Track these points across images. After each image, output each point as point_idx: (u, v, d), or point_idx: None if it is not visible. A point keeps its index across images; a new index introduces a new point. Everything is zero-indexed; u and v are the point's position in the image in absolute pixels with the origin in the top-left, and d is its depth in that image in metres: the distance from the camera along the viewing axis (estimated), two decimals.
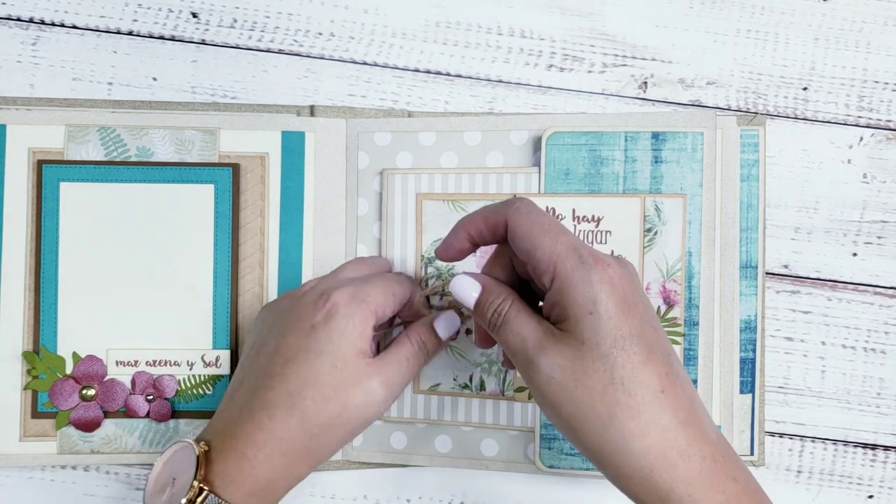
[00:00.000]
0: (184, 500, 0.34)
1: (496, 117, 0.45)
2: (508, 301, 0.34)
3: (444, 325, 0.39)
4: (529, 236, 0.32)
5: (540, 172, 0.44)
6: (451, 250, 0.36)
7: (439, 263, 0.45)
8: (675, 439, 0.30)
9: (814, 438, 0.46)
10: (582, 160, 0.44)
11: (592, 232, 0.43)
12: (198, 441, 0.36)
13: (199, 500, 0.34)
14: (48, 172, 0.45)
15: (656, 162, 0.44)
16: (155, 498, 0.36)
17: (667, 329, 0.43)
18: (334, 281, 0.39)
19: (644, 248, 0.43)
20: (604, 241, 0.43)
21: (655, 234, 0.43)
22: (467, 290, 0.35)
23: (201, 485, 0.34)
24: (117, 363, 0.45)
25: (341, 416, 0.36)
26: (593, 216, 0.43)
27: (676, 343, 0.43)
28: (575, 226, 0.44)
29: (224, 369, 0.45)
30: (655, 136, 0.44)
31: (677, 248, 0.43)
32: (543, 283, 0.32)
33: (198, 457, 0.35)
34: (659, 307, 0.43)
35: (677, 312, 0.43)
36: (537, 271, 0.32)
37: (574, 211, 0.44)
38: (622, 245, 0.43)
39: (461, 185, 0.45)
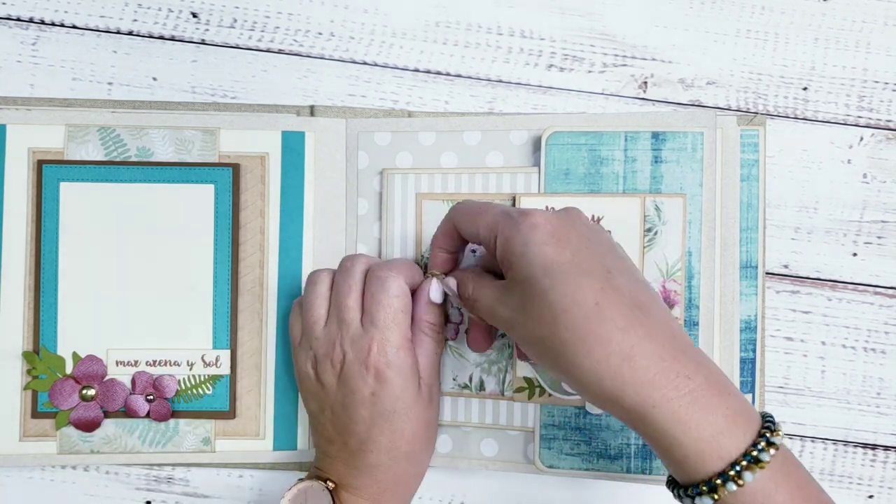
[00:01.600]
0: None
1: (496, 117, 0.45)
2: (472, 281, 0.39)
3: (435, 291, 0.42)
4: (472, 224, 0.38)
5: (540, 172, 0.44)
6: (437, 262, 0.41)
7: None
8: (617, 345, 0.32)
9: (814, 438, 0.46)
10: (582, 160, 0.44)
11: None
12: (322, 479, 0.41)
13: None
14: (48, 172, 0.45)
15: (656, 162, 0.44)
16: None
17: None
18: (355, 335, 0.40)
19: (644, 248, 0.43)
20: None
21: (655, 233, 0.43)
22: (450, 285, 0.41)
23: None
24: (117, 363, 0.45)
25: (429, 432, 0.42)
26: (593, 216, 0.43)
27: None
28: None
29: (224, 369, 0.45)
30: (655, 136, 0.44)
31: (677, 248, 0.43)
32: (493, 251, 0.37)
33: (332, 493, 0.40)
34: None
35: (677, 312, 0.43)
36: (488, 246, 0.37)
37: None
38: (622, 244, 0.43)
39: (461, 185, 0.45)
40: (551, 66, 0.47)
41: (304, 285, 0.44)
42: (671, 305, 0.43)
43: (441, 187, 0.45)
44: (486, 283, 0.38)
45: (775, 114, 0.47)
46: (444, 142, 0.45)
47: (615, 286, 0.33)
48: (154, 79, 0.47)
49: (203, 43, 0.47)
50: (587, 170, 0.44)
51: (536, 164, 0.44)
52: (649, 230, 0.43)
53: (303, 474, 0.46)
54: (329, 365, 0.40)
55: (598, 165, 0.44)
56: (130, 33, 0.47)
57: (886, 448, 0.46)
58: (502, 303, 0.36)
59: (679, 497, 0.33)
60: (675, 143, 0.43)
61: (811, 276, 0.46)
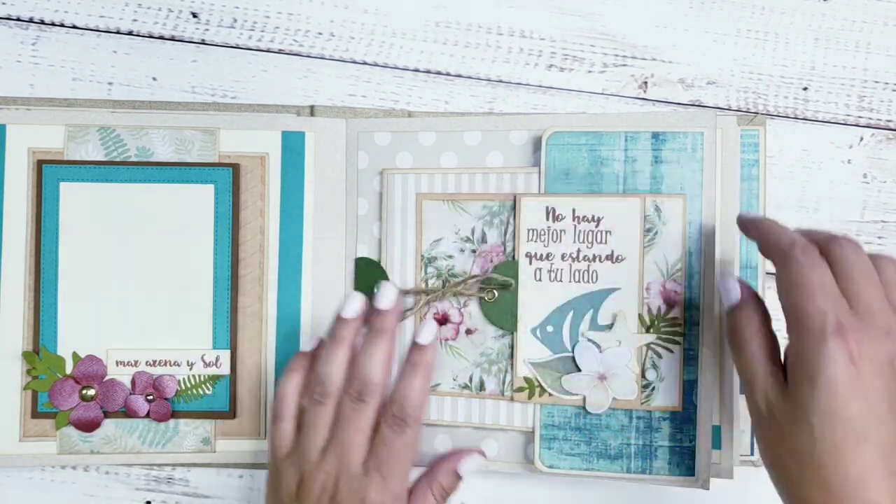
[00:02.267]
0: None
1: (496, 117, 0.45)
2: (755, 323, 0.36)
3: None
4: (794, 296, 0.33)
5: (540, 172, 0.44)
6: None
7: (439, 263, 0.45)
8: None
9: None
10: (582, 160, 0.44)
11: (592, 232, 0.43)
12: None
13: None
14: (48, 172, 0.45)
15: (656, 162, 0.44)
16: None
17: (666, 329, 0.43)
18: (353, 475, 0.38)
19: (644, 248, 0.43)
20: (604, 241, 0.43)
21: (655, 234, 0.43)
22: (731, 292, 0.37)
23: None
24: (117, 363, 0.45)
25: None
26: (593, 216, 0.43)
27: (677, 343, 0.43)
28: (575, 226, 0.43)
29: (224, 369, 0.45)
30: (655, 136, 0.44)
31: (677, 248, 0.43)
32: (788, 333, 0.34)
33: None
34: (659, 307, 0.43)
35: (677, 312, 0.43)
36: (787, 322, 0.34)
37: (574, 211, 0.43)
38: (622, 245, 0.43)
39: (461, 185, 0.45)
40: (551, 66, 0.47)
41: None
42: (671, 305, 0.43)
43: (441, 187, 0.45)
44: (761, 360, 0.35)
45: (775, 114, 0.47)
46: (444, 142, 0.45)
47: (889, 470, 0.31)
48: (154, 79, 0.47)
49: (203, 43, 0.47)
50: (587, 170, 0.44)
51: (537, 164, 0.44)
52: (649, 230, 0.43)
53: None
54: (316, 491, 0.38)
55: (598, 165, 0.44)
56: (130, 33, 0.47)
57: None
58: (768, 390, 0.34)
59: None
60: (675, 143, 0.43)
61: None
